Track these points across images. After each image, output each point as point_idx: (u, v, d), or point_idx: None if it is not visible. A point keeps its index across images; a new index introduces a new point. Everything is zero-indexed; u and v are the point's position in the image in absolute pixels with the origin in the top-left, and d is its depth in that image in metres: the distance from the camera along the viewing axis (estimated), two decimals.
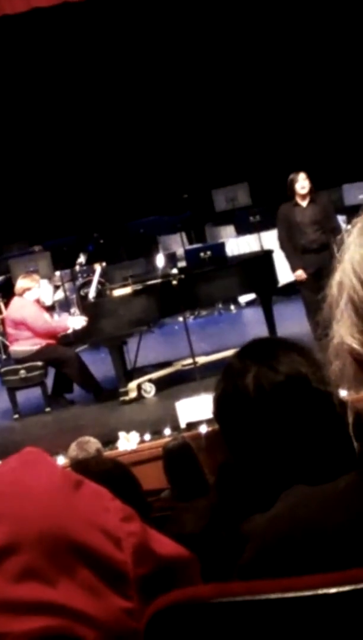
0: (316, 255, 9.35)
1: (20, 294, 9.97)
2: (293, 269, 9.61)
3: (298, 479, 1.53)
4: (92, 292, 11.25)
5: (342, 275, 1.16)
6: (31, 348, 9.70)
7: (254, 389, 1.64)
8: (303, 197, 9.61)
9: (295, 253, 9.57)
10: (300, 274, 9.48)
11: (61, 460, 6.87)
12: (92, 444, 5.93)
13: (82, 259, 13.64)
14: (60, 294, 13.26)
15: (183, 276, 9.46)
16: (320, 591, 1.13)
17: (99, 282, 11.62)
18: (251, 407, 1.63)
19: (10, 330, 10.08)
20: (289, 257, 9.68)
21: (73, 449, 5.88)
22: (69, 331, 9.89)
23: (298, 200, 9.62)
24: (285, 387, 1.62)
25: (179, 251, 13.02)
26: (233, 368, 1.71)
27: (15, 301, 10.07)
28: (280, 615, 1.15)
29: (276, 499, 1.51)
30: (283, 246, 9.73)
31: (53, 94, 15.50)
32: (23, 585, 1.25)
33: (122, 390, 9.29)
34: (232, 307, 13.12)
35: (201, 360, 9.45)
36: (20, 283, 10.07)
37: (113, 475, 3.97)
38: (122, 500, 1.36)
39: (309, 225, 9.54)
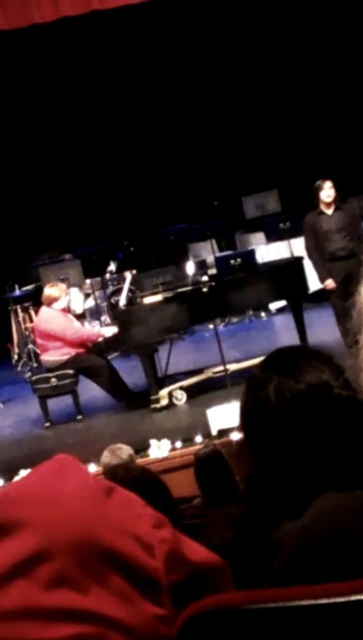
0: (345, 262, 9.32)
1: (48, 304, 9.90)
2: (322, 279, 9.58)
3: (327, 486, 1.52)
4: (122, 300, 11.28)
5: None
6: (61, 358, 9.68)
7: (275, 398, 1.64)
8: (328, 205, 9.58)
9: (323, 262, 9.53)
10: (330, 283, 9.45)
11: (93, 468, 6.87)
12: (125, 450, 5.96)
13: (112, 266, 13.66)
14: (90, 302, 13.28)
15: (213, 283, 9.44)
16: (353, 597, 1.13)
17: (130, 290, 11.64)
18: (274, 417, 1.63)
19: (39, 340, 10.08)
20: (317, 267, 9.63)
21: (106, 456, 5.92)
22: (101, 339, 9.88)
23: (323, 208, 9.59)
24: (306, 395, 1.61)
25: (210, 258, 13.02)
26: (256, 379, 1.71)
27: (43, 312, 10.01)
28: (312, 622, 1.14)
29: (306, 507, 1.51)
30: (310, 256, 9.69)
31: (86, 103, 15.55)
32: (55, 593, 1.25)
33: (153, 397, 9.29)
34: (263, 314, 13.09)
35: (232, 367, 9.42)
36: (48, 292, 9.98)
37: (142, 482, 3.97)
38: (152, 507, 1.36)
39: (336, 233, 9.51)
